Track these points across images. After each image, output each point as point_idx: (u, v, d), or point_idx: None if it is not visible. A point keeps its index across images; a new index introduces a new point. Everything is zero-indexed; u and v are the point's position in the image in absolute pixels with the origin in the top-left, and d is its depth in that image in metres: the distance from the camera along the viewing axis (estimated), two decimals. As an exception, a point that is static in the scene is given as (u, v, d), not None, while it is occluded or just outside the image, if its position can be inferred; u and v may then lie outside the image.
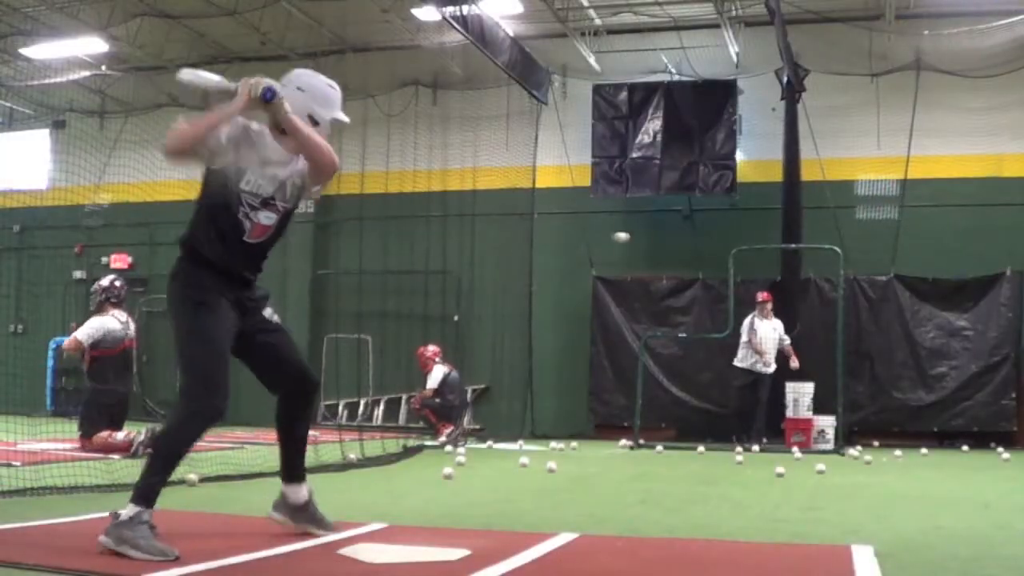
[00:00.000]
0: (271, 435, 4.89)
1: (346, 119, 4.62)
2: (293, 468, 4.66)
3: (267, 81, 4.37)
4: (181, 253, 4.42)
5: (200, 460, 8.17)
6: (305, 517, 4.63)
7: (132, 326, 9.59)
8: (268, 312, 4.64)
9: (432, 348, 14.25)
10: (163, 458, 4.21)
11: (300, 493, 4.63)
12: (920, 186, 14.62)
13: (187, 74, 4.51)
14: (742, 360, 13.66)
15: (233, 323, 4.37)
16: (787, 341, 13.65)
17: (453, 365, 14.21)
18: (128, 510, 4.01)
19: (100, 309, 9.55)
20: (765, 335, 13.57)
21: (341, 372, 16.32)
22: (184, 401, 4.27)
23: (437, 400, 13.67)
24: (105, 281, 9.73)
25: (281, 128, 4.44)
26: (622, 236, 14.74)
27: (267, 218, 4.44)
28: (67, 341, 9.48)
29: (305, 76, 4.65)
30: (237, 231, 4.38)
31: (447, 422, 13.57)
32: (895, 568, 4.07)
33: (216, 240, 4.36)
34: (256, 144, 4.42)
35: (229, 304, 4.35)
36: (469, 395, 16.18)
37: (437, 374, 13.87)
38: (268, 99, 4.31)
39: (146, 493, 4.08)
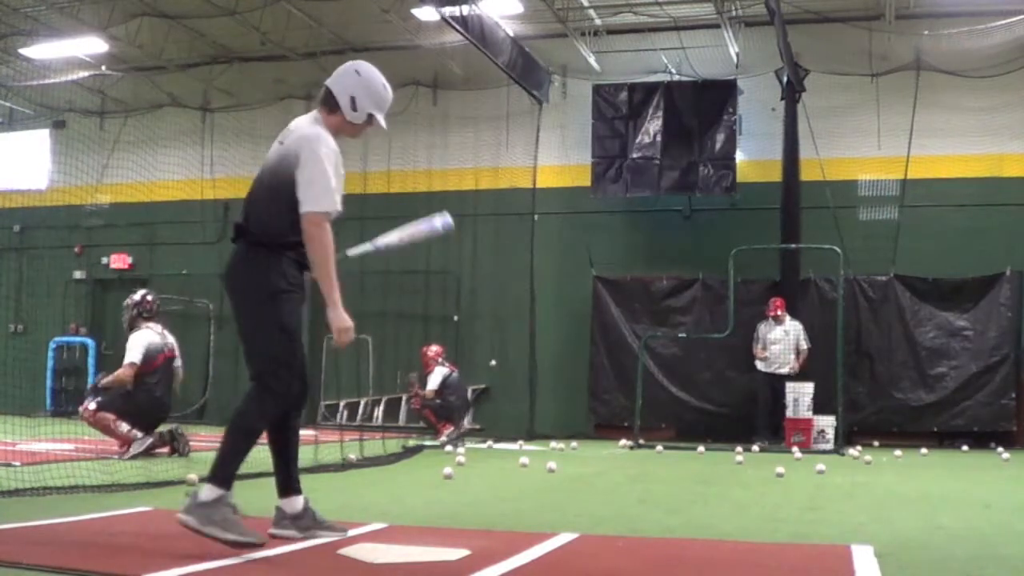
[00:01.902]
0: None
1: (384, 125, 4.63)
2: (287, 478, 4.50)
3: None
4: (252, 240, 4.35)
5: (200, 460, 8.18)
6: (308, 523, 4.48)
7: (169, 337, 9.49)
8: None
9: (434, 348, 14.27)
10: (242, 439, 4.23)
11: (297, 502, 4.48)
12: (920, 186, 14.62)
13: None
14: (757, 363, 13.82)
15: (301, 311, 4.45)
16: (804, 346, 13.67)
17: (455, 366, 14.22)
18: (209, 492, 4.06)
19: (133, 325, 9.41)
20: (775, 339, 13.68)
21: (341, 372, 16.33)
22: (261, 384, 4.28)
23: (438, 401, 13.67)
24: (137, 296, 9.60)
25: (329, 107, 4.54)
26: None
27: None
28: (121, 372, 9.06)
29: (367, 66, 4.70)
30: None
31: (447, 422, 13.57)
32: (895, 568, 4.06)
33: (299, 246, 4.37)
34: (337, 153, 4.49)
35: (300, 294, 4.43)
36: (469, 395, 16.20)
37: (437, 375, 13.88)
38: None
39: (227, 474, 4.14)
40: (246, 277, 4.38)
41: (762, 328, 13.85)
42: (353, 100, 4.52)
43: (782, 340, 13.70)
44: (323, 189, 4.31)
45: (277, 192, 4.36)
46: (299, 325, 4.41)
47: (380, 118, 4.60)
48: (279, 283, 4.33)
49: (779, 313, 13.74)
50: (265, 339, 4.32)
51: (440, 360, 13.95)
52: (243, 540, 4.00)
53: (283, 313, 4.33)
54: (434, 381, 13.80)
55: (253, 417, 4.28)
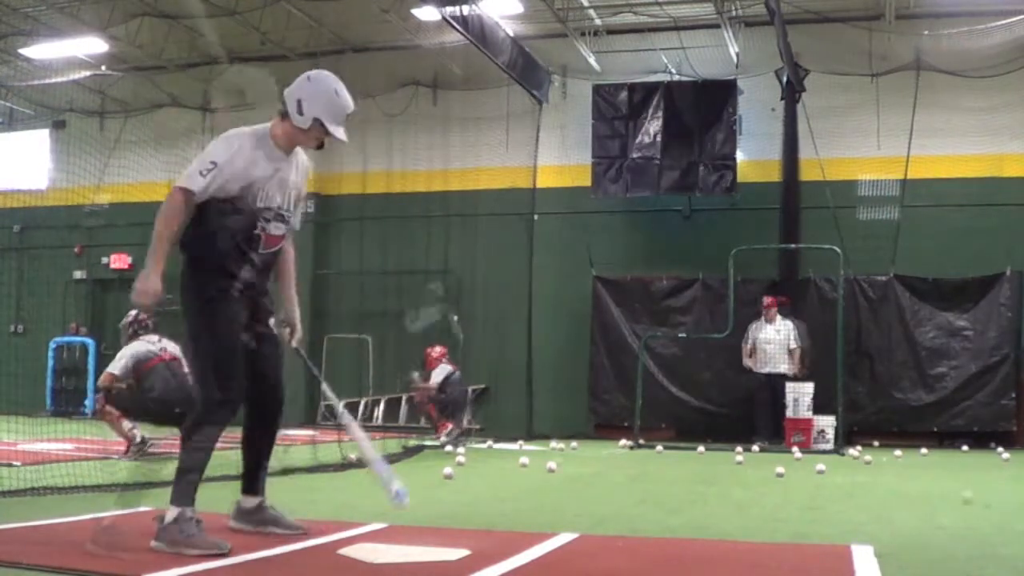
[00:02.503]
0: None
1: (343, 138, 4.52)
2: (250, 479, 4.67)
3: None
4: (194, 267, 4.44)
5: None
6: (261, 519, 4.64)
7: (167, 342, 9.50)
8: (272, 322, 4.67)
9: (439, 349, 14.27)
10: (194, 454, 4.27)
11: (250, 502, 4.66)
12: (920, 186, 14.61)
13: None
14: (746, 361, 13.77)
15: (243, 319, 4.45)
16: (795, 345, 13.65)
17: (456, 366, 14.23)
18: (170, 512, 4.11)
19: (131, 341, 9.53)
20: (767, 339, 13.64)
21: (341, 372, 16.33)
22: (204, 395, 4.33)
23: (441, 395, 13.67)
24: (130, 316, 9.67)
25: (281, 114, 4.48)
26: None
27: (276, 229, 4.51)
28: (102, 378, 9.38)
29: (322, 74, 4.62)
30: (254, 243, 4.45)
31: (448, 419, 13.57)
32: (895, 568, 4.07)
33: (232, 255, 4.41)
34: (267, 155, 4.44)
35: (243, 302, 4.44)
36: (469, 395, 16.19)
37: (440, 372, 13.90)
38: None
39: (185, 492, 4.18)
40: (183, 288, 4.45)
41: (752, 328, 13.80)
42: (299, 103, 4.45)
43: (774, 340, 13.67)
44: (193, 170, 4.33)
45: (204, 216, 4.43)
46: (236, 333, 4.40)
47: (332, 127, 4.47)
48: (210, 292, 4.37)
49: (770, 312, 13.71)
50: (200, 349, 4.39)
51: (445, 360, 13.97)
52: (206, 552, 3.99)
53: (219, 321, 4.36)
54: (437, 377, 13.81)
55: (201, 430, 4.30)
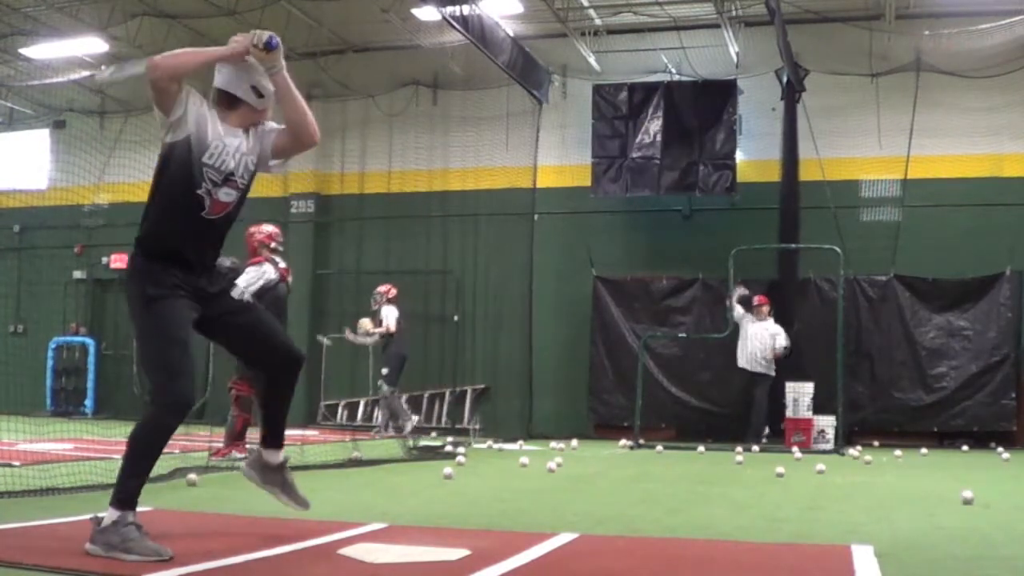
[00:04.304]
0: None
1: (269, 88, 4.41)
2: (274, 435, 4.67)
3: (268, 32, 4.31)
4: (135, 250, 4.29)
5: (199, 459, 8.18)
6: (276, 480, 4.67)
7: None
8: (237, 292, 4.61)
9: (392, 289, 14.06)
10: (139, 457, 4.11)
11: (277, 456, 4.66)
12: (920, 186, 14.62)
13: (106, 74, 4.49)
14: (740, 358, 13.75)
15: (190, 313, 4.28)
16: (780, 347, 13.63)
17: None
18: (110, 515, 3.96)
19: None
20: (755, 334, 13.60)
21: (341, 372, 16.34)
22: (151, 396, 4.24)
23: (395, 351, 13.48)
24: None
25: (228, 103, 4.38)
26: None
27: (227, 195, 4.33)
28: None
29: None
30: (198, 208, 4.25)
31: (396, 417, 13.52)
32: (895, 568, 4.07)
33: (174, 220, 4.25)
34: (212, 119, 4.33)
35: (186, 295, 4.27)
36: (469, 395, 16.20)
37: (391, 313, 13.58)
38: (274, 46, 4.27)
39: (126, 495, 4.01)
40: (127, 288, 4.33)
41: (746, 323, 13.74)
42: (254, 88, 4.39)
43: (760, 336, 13.64)
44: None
45: (156, 178, 4.32)
46: (181, 328, 4.24)
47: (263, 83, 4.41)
48: (152, 290, 4.20)
49: (761, 311, 13.68)
50: (143, 348, 4.30)
51: (393, 303, 13.77)
52: (147, 559, 3.85)
53: (159, 319, 4.22)
54: (390, 317, 13.52)
55: (147, 432, 4.15)
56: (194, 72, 4.24)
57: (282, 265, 9.03)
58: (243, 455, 8.52)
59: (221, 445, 8.77)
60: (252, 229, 9.08)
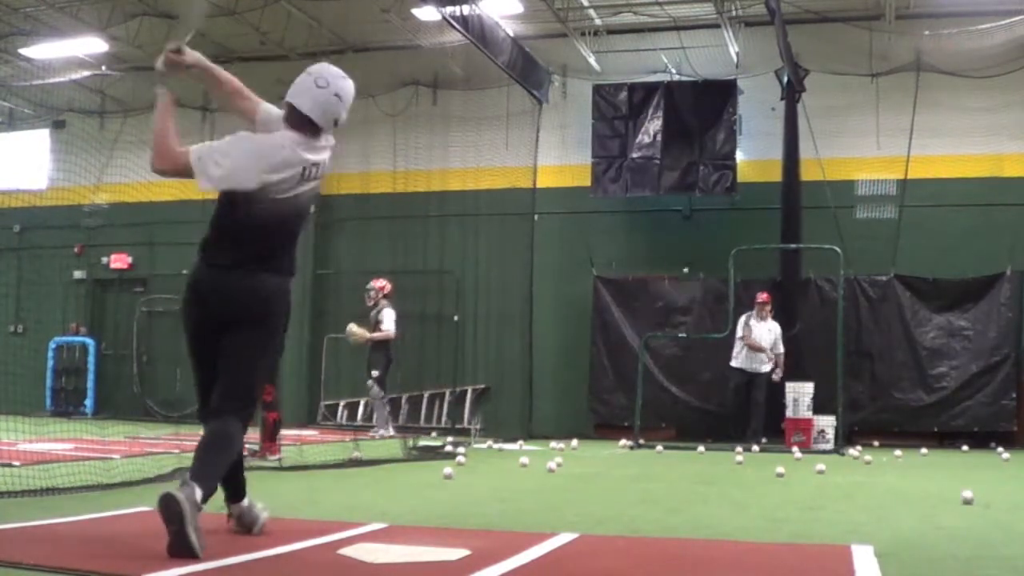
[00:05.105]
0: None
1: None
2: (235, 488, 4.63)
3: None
4: (287, 276, 4.53)
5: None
6: (249, 519, 4.64)
7: None
8: None
9: (388, 284, 13.77)
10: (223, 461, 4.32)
11: (242, 506, 4.65)
12: (920, 186, 14.62)
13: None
14: (735, 359, 13.71)
15: None
16: (780, 348, 13.63)
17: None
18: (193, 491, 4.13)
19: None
20: (760, 335, 13.61)
21: (341, 372, 16.33)
22: (241, 404, 4.37)
23: (390, 356, 13.34)
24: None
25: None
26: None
27: None
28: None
29: (322, 67, 4.59)
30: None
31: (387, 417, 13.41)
32: (895, 568, 4.07)
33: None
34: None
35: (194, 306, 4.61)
36: (469, 395, 16.20)
37: (389, 316, 13.26)
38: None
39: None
40: (279, 304, 4.59)
41: (743, 320, 13.65)
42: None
43: (764, 338, 13.63)
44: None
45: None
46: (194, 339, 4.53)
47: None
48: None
49: (764, 309, 13.65)
50: (265, 365, 4.63)
51: (389, 299, 13.54)
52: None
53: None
54: (388, 320, 13.27)
55: (233, 441, 4.41)
56: (169, 132, 4.35)
57: None
58: (276, 456, 8.56)
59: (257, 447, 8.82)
60: None
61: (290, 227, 4.52)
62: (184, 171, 4.30)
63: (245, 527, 4.58)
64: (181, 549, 3.79)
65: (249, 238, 4.38)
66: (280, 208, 4.41)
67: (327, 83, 4.47)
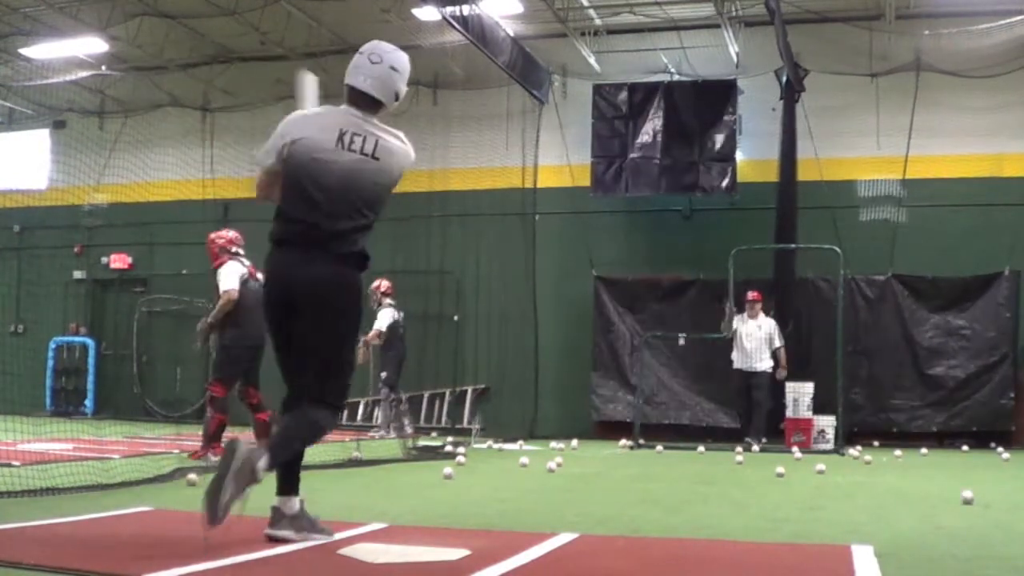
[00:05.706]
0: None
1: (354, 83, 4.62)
2: (289, 479, 4.43)
3: None
4: (356, 269, 4.56)
5: (199, 459, 8.18)
6: (304, 524, 4.41)
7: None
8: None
9: (385, 283, 13.67)
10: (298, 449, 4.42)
11: (293, 504, 4.40)
12: (920, 186, 14.62)
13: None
14: (733, 360, 13.67)
15: None
16: (778, 344, 13.57)
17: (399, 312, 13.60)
18: (292, 502, 4.35)
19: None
20: (749, 333, 13.54)
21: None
22: (332, 399, 4.40)
23: (390, 352, 13.21)
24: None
25: None
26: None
27: None
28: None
29: (373, 45, 4.67)
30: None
31: (397, 418, 13.31)
32: (895, 568, 4.06)
33: None
34: None
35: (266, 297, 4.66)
36: (469, 395, 16.20)
37: (385, 317, 13.15)
38: None
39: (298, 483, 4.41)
40: (353, 296, 4.61)
41: (738, 322, 13.61)
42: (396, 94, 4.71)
43: (755, 336, 13.59)
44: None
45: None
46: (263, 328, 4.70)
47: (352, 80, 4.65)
48: None
49: (754, 308, 13.62)
50: (349, 360, 4.60)
51: (390, 299, 13.45)
52: (327, 539, 4.34)
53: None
54: (382, 322, 13.21)
55: (318, 431, 4.48)
56: (271, 173, 4.49)
57: (248, 263, 9.01)
58: (218, 457, 8.43)
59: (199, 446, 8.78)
60: (212, 235, 9.12)
61: (334, 198, 4.50)
62: (271, 179, 4.51)
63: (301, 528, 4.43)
64: (209, 502, 3.89)
65: (295, 197, 4.44)
66: (320, 169, 4.44)
67: (380, 58, 4.56)
